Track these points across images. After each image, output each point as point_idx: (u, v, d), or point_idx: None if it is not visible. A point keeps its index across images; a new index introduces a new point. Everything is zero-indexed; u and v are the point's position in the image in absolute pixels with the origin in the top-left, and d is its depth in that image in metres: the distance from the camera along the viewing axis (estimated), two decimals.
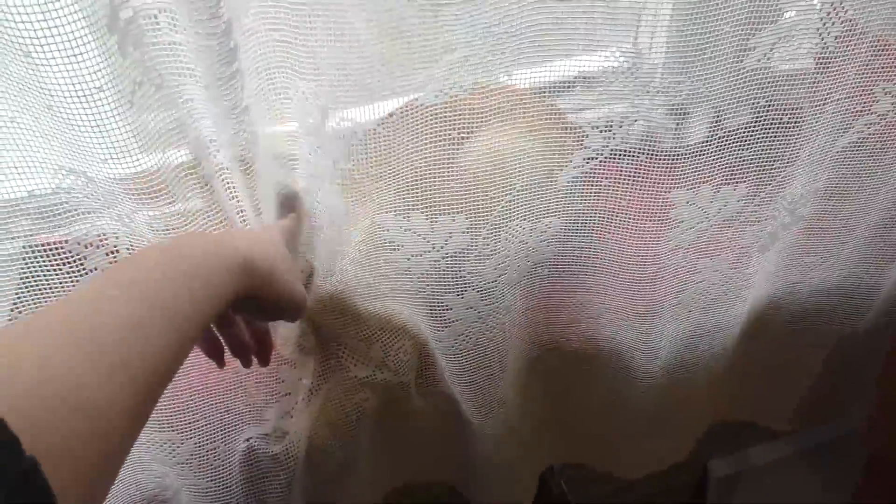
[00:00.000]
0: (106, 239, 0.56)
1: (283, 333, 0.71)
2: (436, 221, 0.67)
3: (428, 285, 0.72)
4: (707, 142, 0.68)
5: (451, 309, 0.74)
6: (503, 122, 0.65)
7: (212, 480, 0.75)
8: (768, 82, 0.66)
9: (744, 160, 0.71)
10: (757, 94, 0.66)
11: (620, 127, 0.66)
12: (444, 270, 0.71)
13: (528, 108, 0.65)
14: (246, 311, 0.58)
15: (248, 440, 0.73)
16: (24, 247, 0.55)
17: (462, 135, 0.63)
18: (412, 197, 0.65)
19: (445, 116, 0.62)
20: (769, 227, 0.78)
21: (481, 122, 0.63)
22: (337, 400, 0.78)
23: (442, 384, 0.83)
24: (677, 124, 0.68)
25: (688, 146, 0.69)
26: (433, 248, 0.69)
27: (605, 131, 0.66)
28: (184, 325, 0.41)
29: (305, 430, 0.75)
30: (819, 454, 1.44)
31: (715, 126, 0.68)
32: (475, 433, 0.88)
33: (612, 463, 1.10)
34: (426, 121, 0.62)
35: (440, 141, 0.63)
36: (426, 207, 0.66)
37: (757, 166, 0.72)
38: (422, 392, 0.84)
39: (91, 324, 0.36)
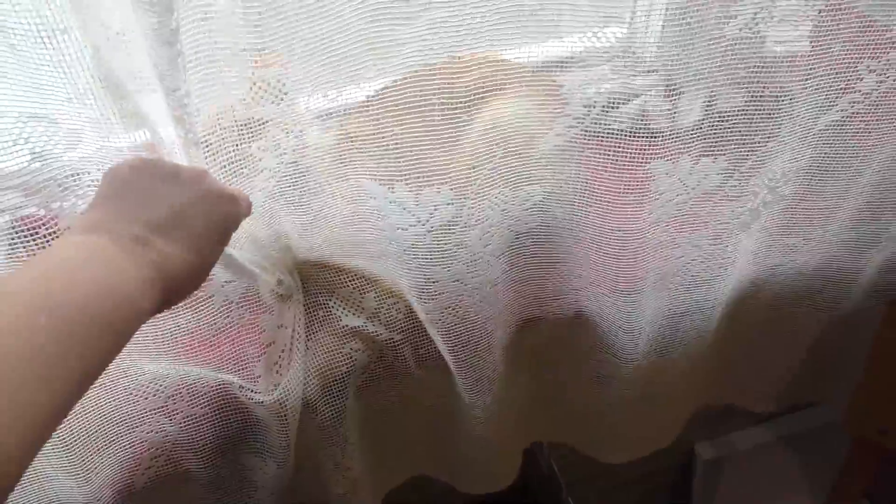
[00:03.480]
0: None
1: (262, 280, 0.69)
2: (420, 194, 0.64)
3: (414, 258, 0.70)
4: (686, 113, 0.65)
5: (437, 282, 0.72)
6: (489, 92, 0.62)
7: (205, 419, 0.73)
8: (756, 59, 0.63)
9: (724, 133, 0.68)
10: (744, 71, 0.64)
11: (600, 96, 0.63)
12: (430, 244, 0.68)
13: (510, 76, 0.63)
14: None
15: (240, 389, 0.72)
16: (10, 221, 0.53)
17: (445, 105, 0.61)
18: (396, 168, 0.63)
19: (430, 86, 0.59)
20: (749, 203, 0.75)
21: (466, 92, 0.61)
22: (326, 349, 0.76)
23: (438, 356, 0.81)
24: (671, 104, 0.66)
25: (662, 115, 0.67)
26: (418, 221, 0.66)
27: (587, 100, 0.63)
28: (89, 369, 0.38)
29: (297, 381, 0.73)
30: (804, 439, 1.42)
31: (707, 106, 0.66)
32: (467, 409, 0.87)
33: (596, 447, 1.08)
34: (411, 91, 0.59)
35: (424, 111, 0.60)
36: (409, 179, 0.64)
37: (737, 141, 0.69)
38: (421, 364, 0.82)
39: (10, 363, 0.34)
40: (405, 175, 0.64)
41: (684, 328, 0.87)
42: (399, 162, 0.63)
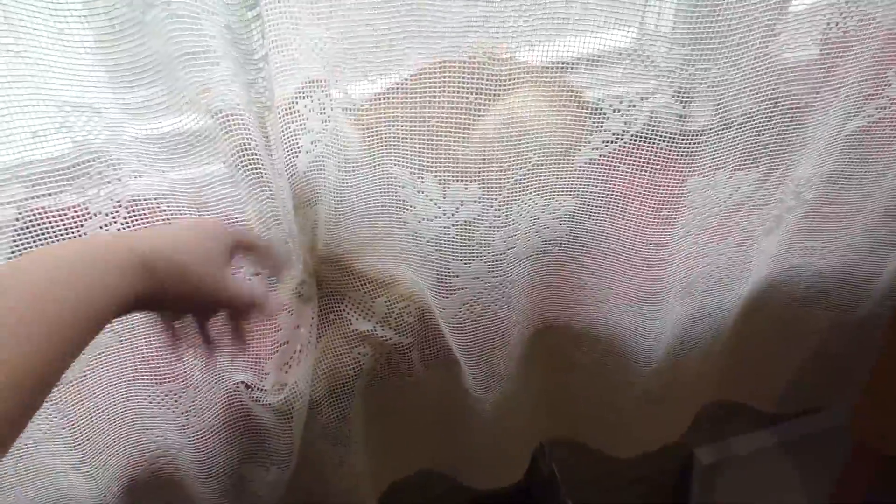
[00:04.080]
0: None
1: (287, 277, 0.69)
2: (448, 187, 0.65)
3: (436, 250, 0.70)
4: (725, 128, 0.65)
5: (457, 276, 0.72)
6: (522, 94, 0.62)
7: (214, 432, 0.73)
8: (777, 69, 0.64)
9: (756, 146, 0.68)
10: (767, 80, 0.64)
11: (641, 112, 0.63)
12: (453, 237, 0.68)
13: (548, 85, 0.63)
14: (172, 306, 0.55)
15: (248, 389, 0.71)
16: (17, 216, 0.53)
17: (479, 100, 0.61)
18: (426, 157, 0.63)
19: (464, 79, 0.59)
20: (775, 210, 0.75)
21: (500, 90, 0.61)
22: (335, 352, 0.75)
23: (446, 356, 0.81)
24: (686, 109, 0.66)
25: (704, 132, 0.67)
26: (444, 213, 0.66)
27: (627, 115, 0.63)
28: (66, 330, 0.40)
29: (305, 383, 0.73)
30: (803, 445, 1.43)
31: (725, 112, 0.66)
32: (474, 406, 0.86)
33: (606, 442, 1.07)
34: (444, 80, 0.59)
35: (457, 104, 0.61)
36: (439, 171, 0.64)
37: (770, 151, 0.69)
38: (426, 364, 0.82)
39: None
40: (434, 166, 0.64)
41: (702, 329, 0.88)
42: (430, 152, 0.63)
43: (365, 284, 0.72)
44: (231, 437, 0.75)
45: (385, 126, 0.62)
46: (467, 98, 0.60)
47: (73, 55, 0.46)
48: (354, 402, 0.81)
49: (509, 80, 0.60)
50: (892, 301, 0.94)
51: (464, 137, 0.62)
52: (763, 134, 0.68)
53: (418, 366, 0.82)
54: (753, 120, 0.66)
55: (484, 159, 0.64)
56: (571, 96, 0.64)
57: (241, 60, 0.51)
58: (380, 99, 0.62)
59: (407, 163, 0.64)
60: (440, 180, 0.64)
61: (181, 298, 0.51)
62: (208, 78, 0.51)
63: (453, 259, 0.70)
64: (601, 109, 0.63)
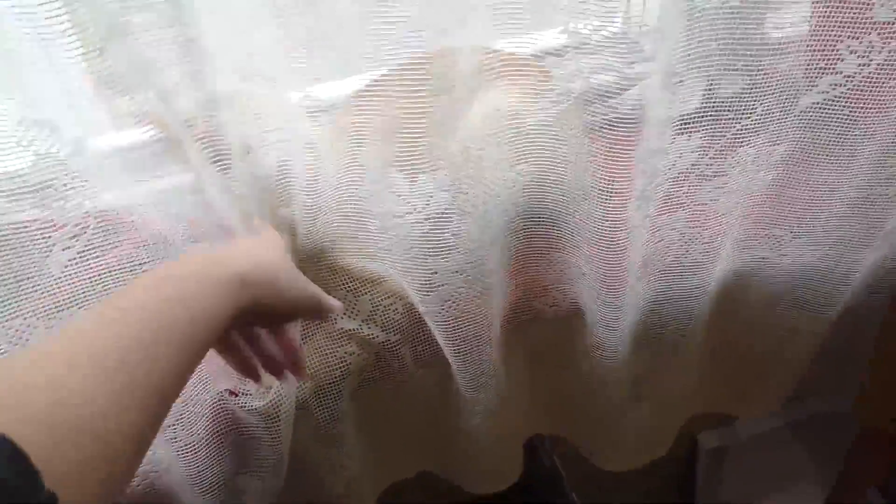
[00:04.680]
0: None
1: None
2: (415, 181, 0.64)
3: (412, 248, 0.69)
4: (665, 90, 0.64)
5: (437, 273, 0.71)
6: (483, 80, 0.62)
7: (203, 444, 0.73)
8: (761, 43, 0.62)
9: (697, 110, 0.67)
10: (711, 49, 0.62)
11: (582, 73, 0.62)
12: (427, 233, 0.68)
13: (505, 65, 0.62)
14: (258, 321, 0.58)
15: (233, 396, 0.71)
16: None
17: (439, 91, 0.60)
18: (390, 153, 0.63)
19: (425, 73, 0.59)
20: (728, 184, 0.74)
21: (460, 78, 0.60)
22: (321, 352, 0.75)
23: (439, 356, 0.80)
24: (672, 92, 0.64)
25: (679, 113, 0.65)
26: (414, 209, 0.66)
27: (569, 77, 0.63)
28: (186, 345, 0.41)
29: (291, 385, 0.73)
30: (808, 426, 1.42)
31: (708, 93, 0.65)
32: (466, 406, 0.86)
33: (594, 452, 1.08)
34: (406, 76, 0.59)
35: (418, 97, 0.60)
36: (404, 165, 0.64)
37: (711, 115, 0.67)
38: (420, 362, 0.81)
39: (96, 348, 0.36)
40: (399, 161, 0.63)
41: (670, 316, 0.86)
42: (392, 147, 0.63)
43: (348, 282, 0.72)
44: (220, 447, 0.74)
45: (351, 124, 0.62)
46: (427, 91, 0.60)
47: (27, 72, 0.45)
48: (345, 404, 0.81)
49: (468, 67, 0.60)
50: (878, 295, 0.92)
51: (425, 129, 0.62)
52: (705, 100, 0.66)
53: (411, 365, 0.81)
54: (696, 87, 0.65)
55: (448, 143, 0.63)
56: (523, 65, 0.63)
57: (196, 66, 0.50)
58: (349, 98, 0.62)
59: (374, 160, 0.64)
60: (405, 174, 0.64)
61: (270, 310, 0.53)
62: (163, 85, 0.50)
63: (432, 256, 0.70)
64: (547, 70, 0.63)
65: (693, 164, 0.71)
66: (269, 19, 0.54)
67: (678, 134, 0.67)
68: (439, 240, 0.68)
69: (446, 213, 0.66)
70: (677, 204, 0.74)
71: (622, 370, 0.89)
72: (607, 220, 0.72)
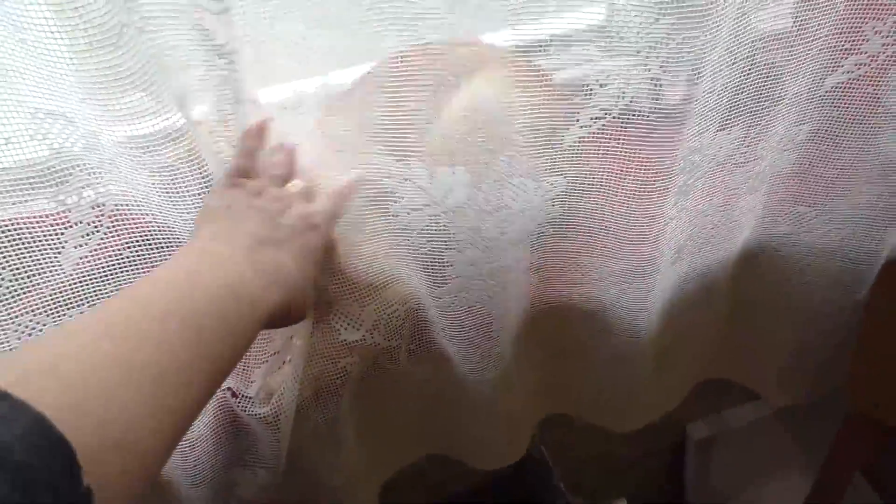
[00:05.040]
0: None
1: None
2: (435, 173, 0.64)
3: (428, 241, 0.69)
4: (707, 93, 0.65)
5: (451, 265, 0.71)
6: (499, 73, 0.62)
7: (201, 439, 0.72)
8: (751, 32, 0.64)
9: (736, 105, 0.68)
10: (745, 48, 0.64)
11: (628, 85, 0.62)
12: (444, 225, 0.68)
13: (522, 66, 0.62)
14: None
15: (234, 397, 0.71)
16: None
17: (453, 81, 0.60)
18: (408, 142, 0.62)
19: (441, 62, 0.59)
20: (757, 167, 0.75)
21: (474, 69, 0.60)
22: (322, 362, 0.75)
23: (434, 347, 0.80)
24: (671, 84, 0.65)
25: (687, 101, 0.66)
26: (433, 201, 0.65)
27: (614, 90, 0.63)
28: (219, 372, 0.42)
29: (292, 393, 0.72)
30: (796, 415, 1.45)
31: (704, 81, 0.66)
32: (470, 390, 0.86)
33: (606, 417, 1.07)
34: (418, 62, 0.58)
35: (434, 87, 0.60)
36: (424, 156, 0.63)
37: (749, 108, 0.69)
38: (413, 359, 0.81)
39: (150, 367, 0.37)
40: (419, 151, 0.63)
41: (692, 290, 0.88)
42: (413, 136, 0.62)
43: (355, 291, 0.72)
44: (218, 443, 0.74)
45: (362, 116, 0.62)
46: (449, 80, 0.60)
47: (42, 64, 0.45)
48: (344, 406, 0.81)
49: (485, 59, 0.60)
50: None
51: (442, 119, 0.62)
52: (741, 94, 0.67)
53: (406, 363, 0.82)
54: (732, 83, 0.66)
55: (468, 142, 0.63)
56: (544, 76, 0.63)
57: (209, 64, 0.50)
58: (353, 89, 0.61)
59: (391, 150, 0.63)
60: (425, 165, 0.63)
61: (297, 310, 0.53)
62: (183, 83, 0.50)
63: (447, 248, 0.69)
64: (587, 84, 0.63)
65: (730, 156, 0.72)
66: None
67: (719, 130, 0.69)
68: (456, 232, 0.68)
69: (465, 207, 0.66)
70: (712, 192, 0.76)
71: (647, 348, 0.90)
72: (644, 218, 0.73)
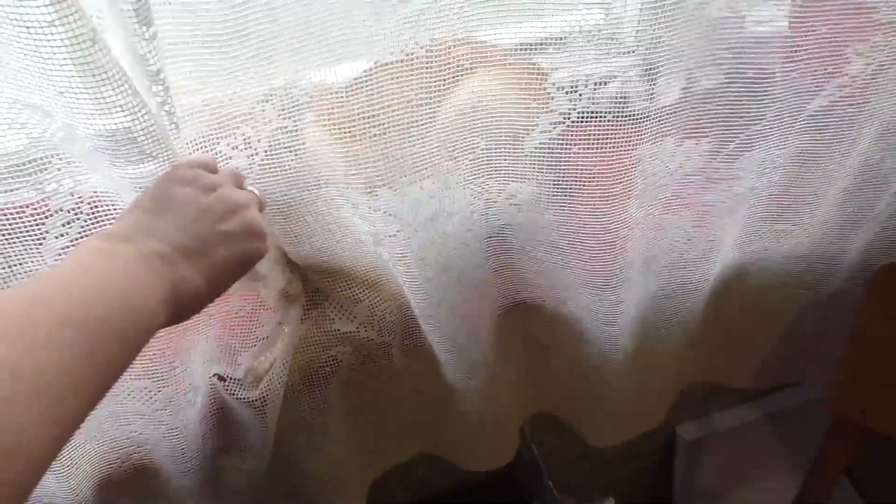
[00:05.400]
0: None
1: (270, 280, 0.69)
2: (405, 196, 0.64)
3: (402, 261, 0.70)
4: (664, 97, 0.65)
5: (430, 280, 0.72)
6: (468, 73, 0.62)
7: (189, 427, 0.74)
8: (738, 40, 0.64)
9: (706, 115, 0.69)
10: (726, 52, 0.64)
11: (587, 88, 0.63)
12: (418, 242, 0.68)
13: (491, 57, 0.62)
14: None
15: (222, 381, 0.72)
16: None
17: (420, 96, 0.60)
18: (376, 172, 0.62)
19: (402, 77, 0.58)
20: (735, 187, 0.76)
21: (442, 80, 0.60)
22: (313, 349, 0.76)
23: (426, 347, 0.81)
24: (650, 85, 0.66)
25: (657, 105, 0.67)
26: (406, 225, 0.66)
27: (572, 93, 0.63)
28: (106, 381, 0.41)
29: (280, 378, 0.73)
30: (785, 418, 1.45)
31: (687, 86, 0.66)
32: (456, 391, 0.87)
33: (585, 429, 1.09)
34: (382, 83, 0.58)
35: (398, 104, 0.59)
36: (391, 180, 0.63)
37: (721, 123, 0.69)
38: (407, 354, 0.82)
39: (40, 375, 0.36)
40: (387, 178, 0.63)
41: (669, 310, 0.89)
42: (379, 165, 0.62)
43: (348, 289, 0.72)
44: (206, 431, 0.75)
45: (324, 145, 0.61)
46: (407, 95, 0.59)
47: (21, 56, 0.45)
48: (332, 395, 0.82)
49: (451, 66, 0.60)
50: (863, 275, 0.95)
51: (409, 136, 0.61)
52: (709, 102, 0.68)
53: (399, 358, 0.82)
54: (696, 85, 0.66)
55: (434, 152, 0.63)
56: (516, 75, 0.63)
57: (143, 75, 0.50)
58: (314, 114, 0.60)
59: (355, 182, 0.63)
60: (393, 189, 0.63)
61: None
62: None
63: (422, 262, 0.70)
64: (546, 89, 0.63)
65: (700, 168, 0.73)
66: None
67: (687, 138, 0.69)
68: (428, 243, 0.69)
69: (433, 217, 0.67)
70: (683, 205, 0.76)
71: (622, 363, 0.91)
72: (609, 224, 0.73)
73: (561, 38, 0.61)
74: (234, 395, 0.71)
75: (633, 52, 0.63)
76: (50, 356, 0.36)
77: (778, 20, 0.65)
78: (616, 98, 0.64)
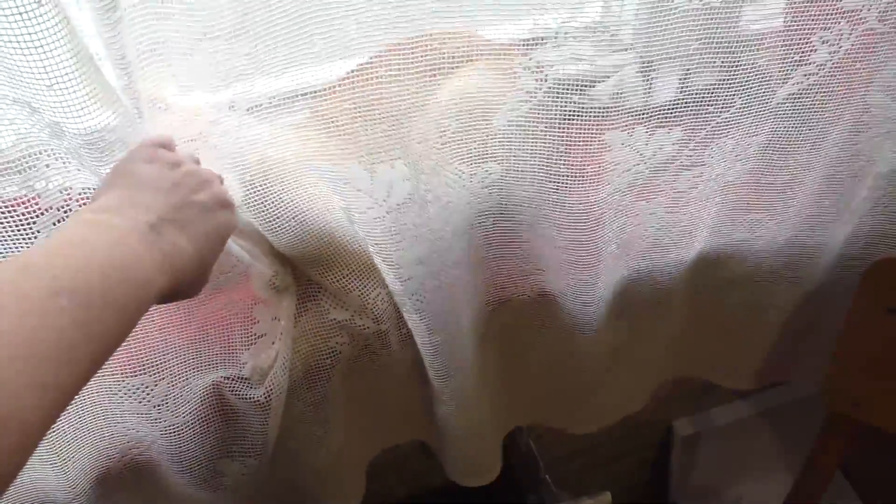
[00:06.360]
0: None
1: (257, 272, 0.69)
2: (375, 172, 0.64)
3: (376, 243, 0.70)
4: (632, 83, 0.66)
5: (401, 267, 0.72)
6: (449, 66, 0.62)
7: (188, 426, 0.74)
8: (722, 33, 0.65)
9: (677, 105, 0.69)
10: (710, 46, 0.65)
11: (552, 68, 0.63)
12: (390, 226, 0.68)
13: (474, 50, 0.62)
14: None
15: (225, 380, 0.72)
16: None
17: (390, 74, 0.60)
18: (346, 143, 0.62)
19: (393, 63, 0.59)
20: (706, 173, 0.76)
21: (411, 63, 0.60)
22: (312, 340, 0.76)
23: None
24: (644, 80, 0.66)
25: (654, 103, 0.68)
26: (375, 202, 0.66)
27: (537, 72, 0.63)
28: (103, 352, 0.41)
29: (283, 375, 0.74)
30: (781, 413, 1.46)
31: (683, 82, 0.67)
32: (436, 396, 0.88)
33: (566, 419, 1.09)
34: (371, 70, 0.59)
35: (367, 81, 0.60)
36: (362, 155, 0.63)
37: (692, 112, 0.70)
38: (405, 342, 0.82)
39: (36, 344, 0.36)
40: (355, 151, 0.63)
41: (644, 291, 0.89)
42: (347, 137, 0.63)
43: (340, 279, 0.72)
44: (206, 430, 0.75)
45: (301, 129, 0.62)
46: (377, 72, 0.60)
47: (8, 52, 0.45)
48: (334, 387, 0.82)
49: (423, 52, 0.60)
50: (849, 269, 0.96)
51: (378, 114, 0.61)
52: (683, 92, 0.68)
53: (396, 347, 0.83)
54: (671, 81, 0.68)
55: (403, 133, 0.63)
56: (483, 56, 0.63)
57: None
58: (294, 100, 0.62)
59: (329, 156, 0.63)
60: (363, 165, 0.63)
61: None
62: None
63: (395, 249, 0.70)
64: (513, 69, 0.63)
65: (673, 156, 0.73)
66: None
67: (658, 127, 0.70)
68: (401, 231, 0.69)
69: (407, 202, 0.67)
70: (656, 191, 0.77)
71: (599, 344, 0.91)
72: (579, 205, 0.74)
73: (558, 34, 0.62)
74: (237, 394, 0.72)
75: (630, 48, 0.64)
76: (43, 324, 0.36)
77: (772, 18, 0.66)
78: (607, 91, 0.65)
